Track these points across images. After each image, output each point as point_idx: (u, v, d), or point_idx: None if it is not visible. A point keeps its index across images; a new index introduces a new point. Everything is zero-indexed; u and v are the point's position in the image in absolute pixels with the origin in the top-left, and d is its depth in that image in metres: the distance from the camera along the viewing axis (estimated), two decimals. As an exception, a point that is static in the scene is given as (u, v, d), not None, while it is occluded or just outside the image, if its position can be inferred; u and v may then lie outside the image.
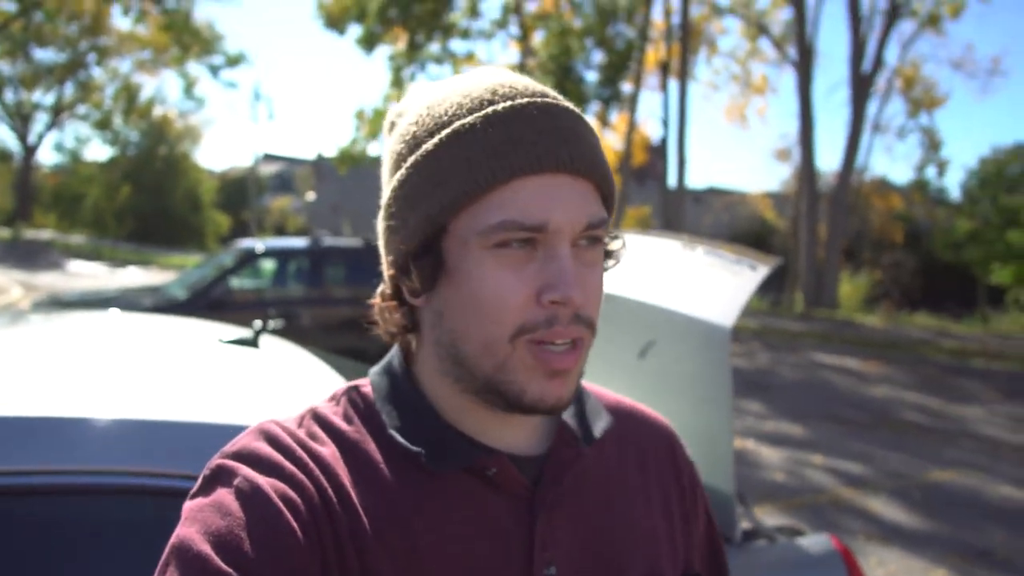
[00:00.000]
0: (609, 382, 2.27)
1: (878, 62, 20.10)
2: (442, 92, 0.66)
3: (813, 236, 19.79)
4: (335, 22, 19.98)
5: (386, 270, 0.68)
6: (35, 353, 1.56)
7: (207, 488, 0.60)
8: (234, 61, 26.96)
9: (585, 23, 19.72)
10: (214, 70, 27.14)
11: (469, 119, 0.61)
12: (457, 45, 20.81)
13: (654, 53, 21.46)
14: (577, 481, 0.70)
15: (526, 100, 0.62)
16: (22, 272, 16.81)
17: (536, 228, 0.60)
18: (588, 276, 0.63)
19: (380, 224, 0.67)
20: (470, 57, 20.80)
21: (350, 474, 0.63)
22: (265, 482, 0.59)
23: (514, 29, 20.83)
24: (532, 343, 0.61)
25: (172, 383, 1.37)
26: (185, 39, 22.50)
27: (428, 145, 0.62)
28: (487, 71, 0.68)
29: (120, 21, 24.79)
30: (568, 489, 0.69)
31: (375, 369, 0.73)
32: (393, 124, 0.69)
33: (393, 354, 0.72)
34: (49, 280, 15.54)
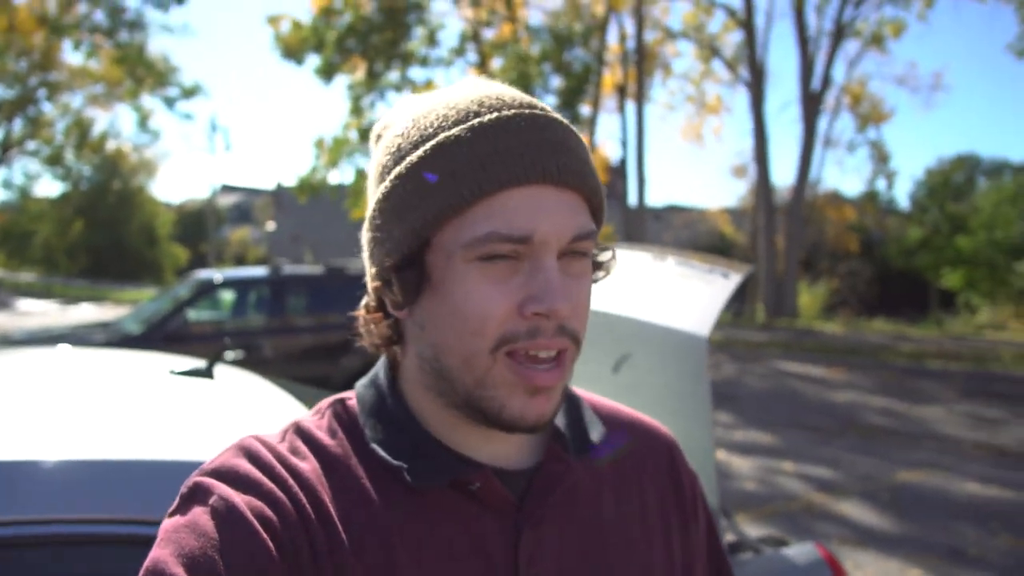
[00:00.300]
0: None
1: (826, 80, 20.81)
2: (428, 104, 0.65)
3: (772, 248, 20.22)
4: (293, 52, 19.89)
5: (370, 282, 0.67)
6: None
7: (183, 507, 0.59)
8: (190, 93, 26.55)
9: (542, 49, 20.01)
10: (169, 102, 26.67)
11: (454, 131, 0.61)
12: (416, 73, 20.85)
13: (611, 76, 21.86)
14: (567, 495, 0.68)
15: (512, 111, 0.62)
16: (-32, 313, 16.15)
17: (521, 240, 0.59)
18: (575, 288, 0.62)
19: (364, 235, 0.66)
20: (429, 84, 20.88)
21: (331, 489, 0.62)
22: (241, 500, 0.58)
23: (472, 56, 21.01)
24: (513, 358, 0.60)
25: (123, 419, 1.28)
26: (139, 72, 22.09)
27: (412, 157, 0.61)
28: (475, 82, 0.67)
29: (71, 56, 24.17)
30: (558, 503, 0.67)
31: (361, 382, 0.71)
32: (379, 136, 0.68)
33: (379, 366, 0.71)
34: (-4, 320, 14.97)
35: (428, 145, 0.61)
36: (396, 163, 0.63)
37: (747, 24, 20.36)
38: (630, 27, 21.07)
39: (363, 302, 0.69)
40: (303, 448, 0.65)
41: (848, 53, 28.27)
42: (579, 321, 0.63)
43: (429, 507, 0.63)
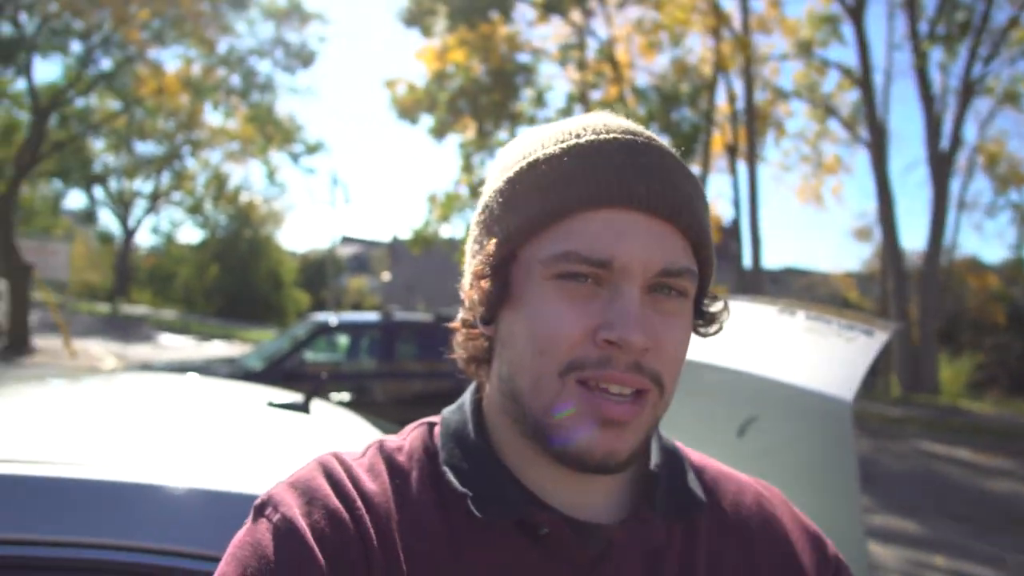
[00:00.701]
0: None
1: (956, 140, 19.34)
2: (543, 128, 0.66)
3: (904, 317, 18.73)
4: (407, 112, 21.02)
5: (465, 292, 0.67)
6: (95, 411, 1.49)
7: (254, 518, 0.60)
8: (313, 149, 28.52)
9: (648, 109, 20.04)
10: (294, 157, 28.73)
11: (550, 149, 0.61)
12: (525, 133, 21.49)
13: (720, 136, 21.53)
14: (652, 559, 0.63)
15: (612, 135, 0.61)
16: (117, 344, 17.66)
17: (600, 263, 0.57)
18: (662, 326, 0.59)
19: (467, 246, 0.68)
20: (538, 143, 21.40)
21: (397, 513, 0.61)
22: (304, 520, 0.58)
23: (580, 116, 21.37)
24: (584, 385, 0.58)
25: (208, 447, 1.25)
26: (268, 130, 24.00)
27: (510, 172, 0.63)
28: (595, 113, 0.66)
29: (211, 116, 26.82)
30: (638, 567, 0.62)
31: (450, 407, 0.70)
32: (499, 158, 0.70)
33: (469, 390, 0.70)
34: (141, 351, 16.25)
35: (524, 161, 0.62)
36: (497, 178, 0.64)
37: (864, 83, 19.41)
38: (739, 87, 20.73)
39: (459, 315, 0.68)
40: (380, 467, 0.64)
41: (979, 112, 26.12)
42: (664, 363, 0.59)
43: (493, 543, 0.60)
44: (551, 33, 21.47)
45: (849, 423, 1.76)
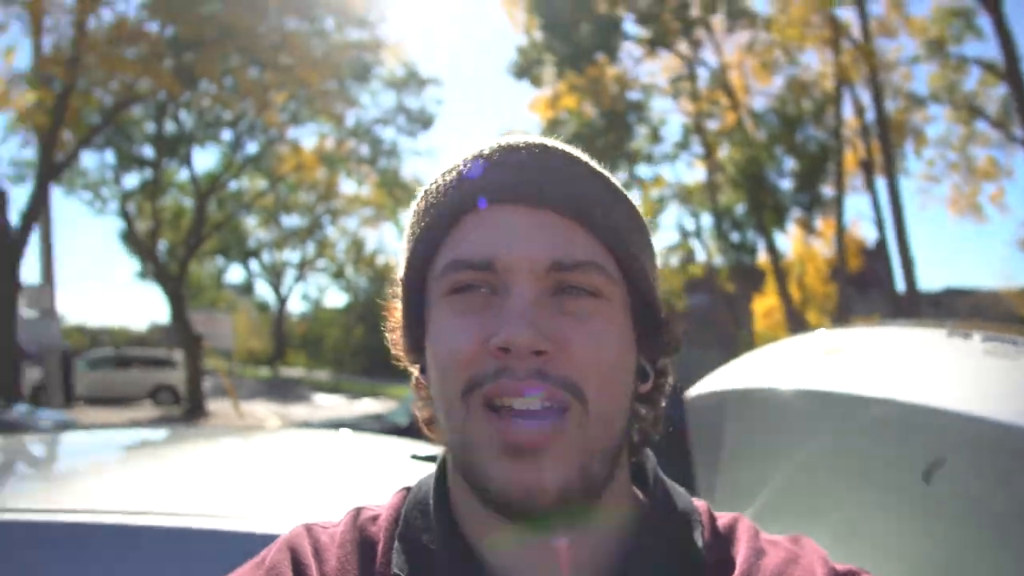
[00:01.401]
0: (884, 519, 1.76)
1: None
2: None
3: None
4: (524, 160, 21.59)
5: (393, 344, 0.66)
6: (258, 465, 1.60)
7: None
8: (437, 207, 29.96)
9: (769, 132, 19.35)
10: (421, 217, 30.30)
11: (439, 174, 0.59)
12: (643, 170, 21.34)
13: (853, 153, 20.29)
14: None
15: (496, 144, 0.57)
16: (278, 405, 19.38)
17: (482, 266, 0.53)
18: (570, 327, 0.52)
19: None
20: (657, 180, 21.20)
21: None
22: None
23: (697, 148, 20.97)
24: (487, 405, 0.51)
25: (351, 498, 1.32)
26: (396, 193, 25.68)
27: (410, 211, 0.61)
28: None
29: (346, 186, 29.18)
30: None
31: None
32: None
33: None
34: (299, 411, 17.57)
35: (420, 194, 0.60)
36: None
37: (1011, 76, 17.52)
38: (866, 98, 19.48)
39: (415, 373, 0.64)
40: (348, 538, 0.60)
41: None
42: (578, 369, 0.51)
43: None
44: (660, 67, 21.45)
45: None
